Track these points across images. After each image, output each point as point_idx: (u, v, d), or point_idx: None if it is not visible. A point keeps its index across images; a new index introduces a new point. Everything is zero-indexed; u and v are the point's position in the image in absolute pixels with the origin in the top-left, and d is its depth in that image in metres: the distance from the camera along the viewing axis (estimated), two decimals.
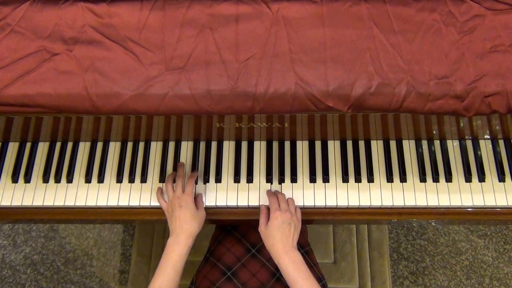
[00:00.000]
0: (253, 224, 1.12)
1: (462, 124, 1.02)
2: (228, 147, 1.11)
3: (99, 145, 1.12)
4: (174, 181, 1.05)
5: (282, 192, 1.06)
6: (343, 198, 1.05)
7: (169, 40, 0.85)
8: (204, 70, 0.83)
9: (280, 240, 0.94)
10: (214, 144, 1.11)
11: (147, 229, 1.45)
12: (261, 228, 0.98)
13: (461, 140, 1.09)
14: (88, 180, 1.08)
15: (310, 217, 1.07)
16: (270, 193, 1.04)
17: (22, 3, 0.87)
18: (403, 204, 1.04)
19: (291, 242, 0.95)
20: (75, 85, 0.83)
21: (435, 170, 1.06)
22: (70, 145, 1.12)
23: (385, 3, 0.86)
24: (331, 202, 1.05)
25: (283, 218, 0.96)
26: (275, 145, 1.11)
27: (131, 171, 1.09)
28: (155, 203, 1.06)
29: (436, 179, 1.06)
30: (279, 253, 0.94)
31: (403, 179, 1.06)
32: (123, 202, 1.07)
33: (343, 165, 1.07)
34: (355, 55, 0.84)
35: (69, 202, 1.07)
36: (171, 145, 1.12)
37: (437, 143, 1.09)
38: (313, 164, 1.08)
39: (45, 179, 1.09)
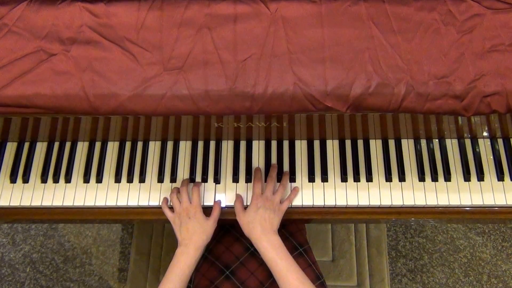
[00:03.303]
0: None
1: (460, 123, 1.02)
2: (227, 146, 1.11)
3: (97, 145, 1.11)
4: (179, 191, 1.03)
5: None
6: (342, 198, 1.05)
7: (167, 40, 0.84)
8: (202, 70, 0.83)
9: (259, 223, 0.94)
10: (212, 144, 1.11)
11: (146, 227, 1.45)
12: (239, 216, 0.97)
13: (460, 139, 1.09)
14: (86, 180, 1.08)
15: (309, 217, 1.07)
16: (257, 175, 1.02)
17: (19, 3, 0.86)
18: (402, 203, 1.04)
19: (270, 226, 0.94)
20: (73, 85, 0.83)
21: (434, 169, 1.06)
22: (68, 145, 1.11)
23: (384, 3, 0.86)
24: (330, 202, 1.05)
25: (263, 203, 0.96)
26: (274, 144, 1.10)
27: (129, 171, 1.08)
28: (153, 202, 1.06)
29: (435, 178, 1.06)
30: (257, 235, 0.93)
31: (402, 178, 1.06)
32: (122, 202, 1.06)
33: (342, 164, 1.07)
34: (353, 55, 0.83)
35: (68, 202, 1.07)
36: (170, 144, 1.11)
37: (436, 142, 1.09)
38: (311, 164, 1.07)
39: (44, 179, 1.08)
